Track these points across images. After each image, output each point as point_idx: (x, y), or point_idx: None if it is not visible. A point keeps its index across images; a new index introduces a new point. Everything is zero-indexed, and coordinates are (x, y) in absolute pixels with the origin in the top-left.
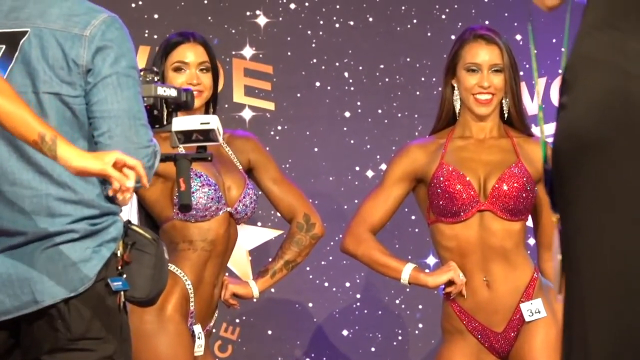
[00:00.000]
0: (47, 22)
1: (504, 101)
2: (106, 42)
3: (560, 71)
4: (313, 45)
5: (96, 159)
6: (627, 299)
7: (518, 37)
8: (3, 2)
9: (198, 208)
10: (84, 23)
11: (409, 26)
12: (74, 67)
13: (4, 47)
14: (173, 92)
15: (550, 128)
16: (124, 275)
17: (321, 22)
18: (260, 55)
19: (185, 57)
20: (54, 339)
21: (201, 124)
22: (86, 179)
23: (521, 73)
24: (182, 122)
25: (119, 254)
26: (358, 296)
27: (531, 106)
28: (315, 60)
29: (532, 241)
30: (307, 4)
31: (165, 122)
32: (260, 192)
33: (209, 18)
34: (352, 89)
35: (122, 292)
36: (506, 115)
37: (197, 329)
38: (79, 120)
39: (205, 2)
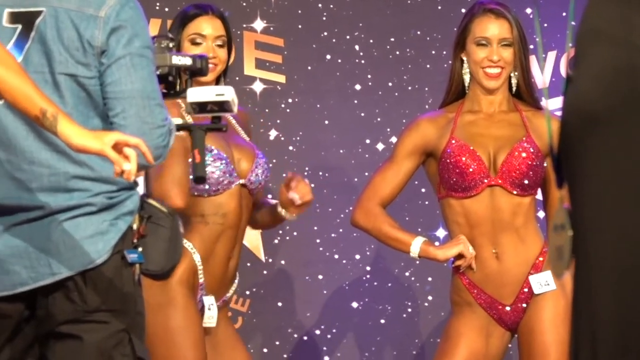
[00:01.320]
0: (62, 1)
1: (512, 75)
2: (120, 23)
3: (570, 45)
4: (324, 18)
5: (96, 139)
6: (632, 284)
7: (528, 10)
8: None
9: (210, 182)
10: (98, 3)
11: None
12: (88, 48)
13: (20, 26)
14: (188, 60)
15: (558, 101)
16: (140, 248)
17: None
18: (271, 28)
19: (202, 30)
20: (69, 311)
21: (216, 95)
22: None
23: (531, 47)
24: (197, 93)
25: (135, 227)
26: (368, 268)
27: (540, 79)
28: (325, 33)
29: (541, 214)
30: None
31: (180, 89)
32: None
33: None
34: (362, 62)
35: (137, 265)
36: (515, 88)
37: (208, 300)
38: (94, 100)
39: None
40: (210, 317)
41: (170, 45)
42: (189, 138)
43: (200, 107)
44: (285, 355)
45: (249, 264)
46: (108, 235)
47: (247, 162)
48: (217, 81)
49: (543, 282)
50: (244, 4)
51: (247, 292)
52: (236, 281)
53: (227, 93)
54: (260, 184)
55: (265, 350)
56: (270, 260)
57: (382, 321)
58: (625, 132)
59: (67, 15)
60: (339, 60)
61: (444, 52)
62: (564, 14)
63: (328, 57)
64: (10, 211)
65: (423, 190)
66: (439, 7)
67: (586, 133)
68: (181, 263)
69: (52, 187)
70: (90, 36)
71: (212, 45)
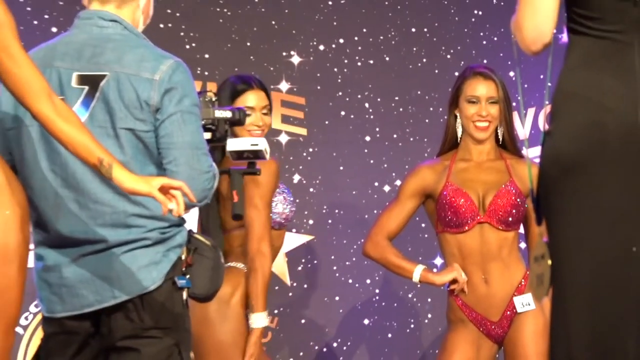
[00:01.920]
0: (122, 67)
1: (498, 128)
2: (172, 85)
3: (546, 103)
4: (339, 80)
5: (145, 183)
6: (600, 304)
7: (511, 73)
8: (85, 49)
9: (287, 218)
10: (153, 68)
11: (419, 64)
12: (145, 106)
13: (87, 87)
14: (228, 114)
15: (537, 150)
16: (188, 276)
17: (345, 61)
18: (294, 89)
19: (251, 103)
20: (129, 328)
21: (251, 145)
22: None
23: (513, 104)
24: (235, 143)
25: (183, 258)
26: (377, 291)
27: (522, 132)
28: (340, 93)
29: (523, 245)
30: (333, 45)
31: (221, 138)
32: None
33: (251, 57)
34: (371, 117)
35: (185, 289)
36: (501, 139)
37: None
38: (150, 150)
39: (248, 44)
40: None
41: (214, 99)
42: (228, 180)
43: (238, 155)
44: None
45: (276, 287)
46: (161, 265)
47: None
48: None
49: (525, 302)
50: (271, 69)
51: (275, 311)
52: None
53: (260, 143)
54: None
55: (301, 353)
56: (294, 284)
57: (389, 335)
58: (593, 179)
59: (127, 79)
60: (352, 116)
61: (440, 109)
62: (542, 76)
63: (342, 113)
64: (78, 244)
65: (423, 225)
66: (436, 71)
67: (561, 179)
68: (240, 284)
69: (113, 223)
70: (147, 97)
71: (260, 114)
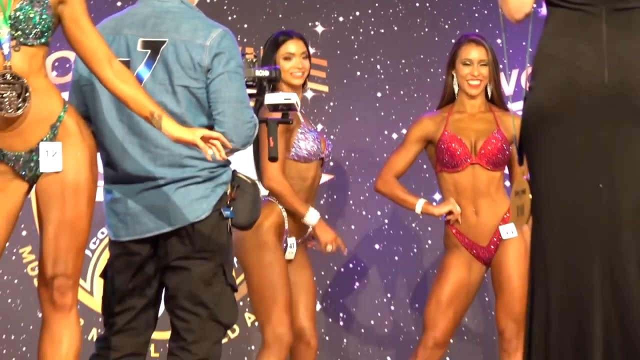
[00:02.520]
0: (179, 34)
1: (488, 86)
2: (221, 50)
3: (528, 65)
4: (355, 46)
5: (190, 132)
6: (571, 230)
7: (498, 40)
8: (148, 20)
9: (308, 151)
10: (205, 36)
11: (422, 33)
12: (198, 68)
13: (149, 51)
14: (266, 72)
15: (519, 105)
16: (231, 208)
17: (360, 30)
18: (318, 53)
19: (292, 49)
20: (182, 251)
21: (285, 99)
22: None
23: (500, 66)
24: (271, 97)
25: (228, 193)
26: (386, 221)
27: (507, 89)
28: (356, 57)
29: (507, 184)
30: (351, 17)
31: (260, 92)
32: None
33: (282, 27)
34: (382, 77)
35: (229, 219)
36: (490, 95)
37: (291, 240)
38: (202, 104)
39: (280, 16)
40: (290, 253)
41: (254, 60)
42: (266, 128)
43: (274, 107)
44: (328, 282)
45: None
46: (210, 198)
47: (324, 142)
48: (304, 83)
49: (509, 231)
50: None
51: (299, 240)
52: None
53: (292, 97)
54: (330, 157)
55: (322, 272)
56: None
57: (396, 258)
58: (567, 127)
59: (183, 45)
60: (366, 76)
61: (440, 70)
62: (524, 42)
63: (358, 73)
64: (140, 180)
65: (424, 166)
66: (436, 39)
67: (540, 127)
68: (272, 216)
69: (170, 163)
70: (200, 59)
71: (299, 58)
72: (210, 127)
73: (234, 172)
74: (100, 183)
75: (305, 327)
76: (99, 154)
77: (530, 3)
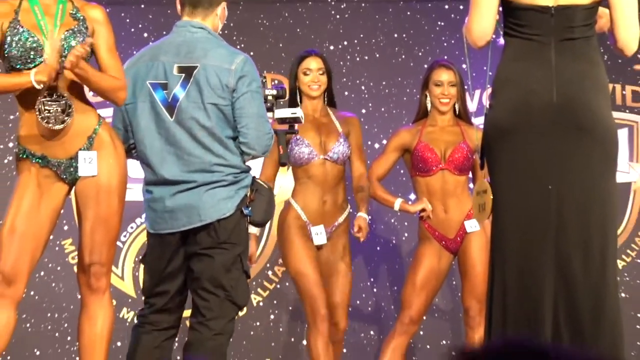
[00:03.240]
0: (208, 60)
1: (456, 104)
2: (244, 73)
3: (488, 86)
4: (343, 70)
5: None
6: (525, 225)
7: (464, 65)
8: (182, 48)
9: (298, 159)
10: (230, 61)
11: (400, 59)
12: (225, 88)
13: (184, 75)
14: (274, 91)
15: (481, 119)
16: (250, 208)
17: (348, 57)
18: None
19: (310, 65)
20: (208, 242)
21: (291, 113)
22: (232, 151)
23: (465, 87)
24: (280, 112)
25: (248, 195)
26: (370, 217)
27: (471, 106)
28: (344, 79)
29: (471, 186)
30: (340, 46)
31: (270, 108)
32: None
33: (282, 54)
34: (366, 96)
35: (248, 217)
36: (457, 112)
37: (316, 229)
38: (228, 118)
39: (280, 45)
40: (319, 239)
41: (264, 81)
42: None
43: (282, 120)
44: None
45: None
46: (234, 199)
47: (331, 143)
48: (323, 95)
49: (472, 225)
50: None
51: None
52: (346, 212)
53: (297, 112)
54: (339, 158)
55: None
56: None
57: (378, 248)
58: (521, 139)
59: (212, 69)
60: (352, 95)
61: (414, 90)
62: (485, 67)
63: (346, 93)
64: (176, 183)
65: (402, 171)
66: (411, 64)
67: (499, 139)
68: (290, 213)
69: (201, 169)
70: (227, 81)
71: (317, 74)
72: (235, 138)
73: (254, 177)
74: (140, 184)
75: (336, 307)
76: (139, 160)
77: (491, 33)
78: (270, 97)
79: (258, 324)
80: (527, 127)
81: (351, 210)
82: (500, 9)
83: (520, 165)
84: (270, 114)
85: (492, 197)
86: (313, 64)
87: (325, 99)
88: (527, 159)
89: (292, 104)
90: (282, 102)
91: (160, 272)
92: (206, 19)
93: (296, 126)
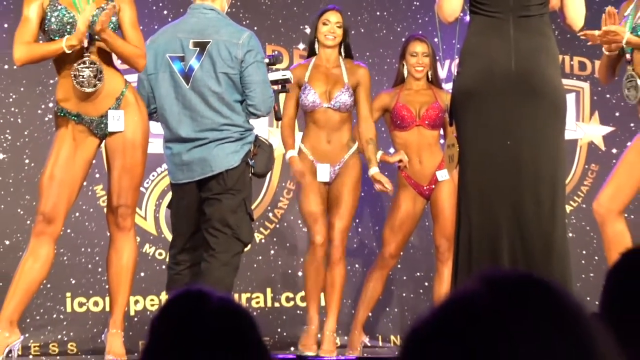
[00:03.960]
0: (220, 36)
1: (429, 71)
2: (250, 47)
3: (456, 56)
4: None
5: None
6: (486, 176)
7: (436, 39)
8: (195, 26)
9: (304, 105)
10: (238, 36)
11: (381, 34)
12: (235, 59)
13: (198, 48)
14: (267, 60)
15: (450, 85)
16: (253, 160)
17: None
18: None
19: (329, 18)
20: (218, 188)
21: (282, 75)
22: (239, 112)
23: (437, 57)
24: (272, 75)
25: (251, 149)
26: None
27: (442, 74)
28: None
29: (442, 141)
30: None
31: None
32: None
33: (281, 29)
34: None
35: (252, 168)
36: (430, 78)
37: (321, 166)
38: (236, 85)
39: (280, 21)
40: (322, 177)
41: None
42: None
43: (274, 82)
44: None
45: None
46: (239, 153)
47: (335, 92)
48: (339, 47)
49: (443, 175)
50: (294, 36)
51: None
52: (352, 150)
53: (287, 74)
54: (342, 105)
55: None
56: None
57: (362, 194)
58: (484, 101)
59: (223, 44)
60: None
61: (394, 60)
62: (454, 41)
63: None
64: (191, 140)
65: (382, 129)
66: (391, 38)
67: (465, 101)
68: (300, 155)
69: (211, 128)
70: (235, 53)
71: (334, 26)
72: (241, 102)
73: (257, 135)
74: (160, 139)
75: (334, 231)
76: (160, 122)
77: (459, 10)
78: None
79: (260, 258)
80: (489, 91)
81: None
82: None
83: (483, 123)
84: None
85: (458, 149)
86: (332, 17)
87: (343, 51)
88: (488, 118)
89: (311, 51)
90: (274, 68)
91: (181, 214)
92: (215, 1)
93: (287, 86)
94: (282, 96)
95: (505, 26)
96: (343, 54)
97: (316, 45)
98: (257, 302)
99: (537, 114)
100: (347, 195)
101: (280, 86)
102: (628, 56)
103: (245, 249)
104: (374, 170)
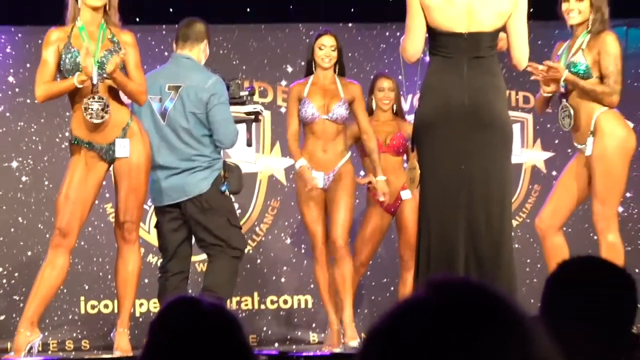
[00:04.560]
0: (190, 81)
1: (394, 105)
2: (215, 91)
3: (417, 91)
4: None
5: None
6: (442, 197)
7: (400, 77)
8: (172, 72)
9: (304, 118)
10: (205, 81)
11: (352, 72)
12: (201, 101)
13: (172, 92)
14: (245, 92)
15: (412, 116)
16: (226, 183)
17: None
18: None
19: (324, 42)
20: (196, 210)
21: (253, 109)
22: (206, 145)
23: (401, 92)
24: (247, 107)
25: (221, 174)
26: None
27: (405, 107)
28: None
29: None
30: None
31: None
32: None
33: (267, 68)
34: None
35: (226, 190)
36: (395, 110)
37: (315, 174)
38: (202, 123)
39: (265, 61)
40: (317, 181)
41: (239, 83)
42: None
43: (248, 113)
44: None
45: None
46: (209, 179)
47: (332, 105)
48: (334, 66)
49: (406, 194)
50: (277, 74)
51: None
52: (345, 157)
53: (258, 107)
54: (339, 118)
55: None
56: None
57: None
58: (441, 132)
59: (192, 88)
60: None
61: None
62: (415, 78)
63: None
64: (168, 169)
65: (354, 154)
66: (361, 76)
67: (425, 130)
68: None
69: (185, 158)
70: (202, 96)
71: (329, 50)
72: (209, 136)
73: (224, 161)
74: None
75: (335, 229)
76: None
77: (420, 52)
78: (242, 96)
79: (248, 266)
80: (446, 123)
81: (353, 155)
82: (427, 34)
83: (440, 150)
84: (241, 108)
85: (419, 172)
86: (327, 41)
87: (337, 69)
88: (445, 146)
89: (308, 72)
90: (251, 98)
91: (165, 232)
92: (192, 50)
93: (260, 117)
94: (256, 124)
95: (460, 66)
96: (337, 72)
97: (313, 65)
98: (246, 305)
99: (487, 142)
100: (344, 197)
101: (254, 117)
102: (563, 90)
103: (243, 254)
104: (380, 178)
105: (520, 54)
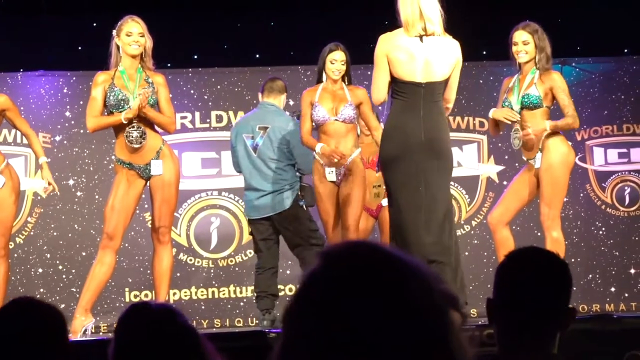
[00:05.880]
0: (275, 123)
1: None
2: (295, 131)
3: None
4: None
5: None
6: (408, 214)
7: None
8: (261, 116)
9: (315, 121)
10: (287, 123)
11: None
12: (285, 139)
13: (262, 131)
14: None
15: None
16: (303, 199)
17: (309, 73)
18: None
19: (335, 57)
20: (284, 222)
21: (297, 115)
22: (288, 171)
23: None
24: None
25: (299, 193)
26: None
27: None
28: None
29: None
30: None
31: None
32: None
33: (290, 91)
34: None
35: (304, 205)
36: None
37: (328, 170)
38: (286, 155)
39: (293, 94)
40: (330, 177)
41: (298, 114)
42: None
43: (298, 116)
44: None
45: None
46: (290, 198)
47: (339, 108)
48: (342, 79)
49: (385, 202)
50: (291, 91)
51: None
52: (355, 153)
53: (297, 112)
54: (346, 119)
55: None
56: None
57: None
58: (402, 164)
59: (277, 129)
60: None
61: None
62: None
63: None
64: (259, 190)
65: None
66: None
67: (388, 164)
68: (316, 165)
69: (273, 182)
70: (285, 135)
71: (339, 64)
72: (290, 165)
73: (301, 183)
74: (187, 180)
75: (346, 228)
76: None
77: (384, 97)
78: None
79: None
80: (407, 154)
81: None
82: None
83: (402, 176)
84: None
85: (384, 190)
86: (338, 56)
87: (346, 79)
88: (406, 173)
89: (319, 80)
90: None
91: (258, 239)
92: (275, 99)
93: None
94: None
95: (417, 108)
96: (346, 80)
97: (323, 75)
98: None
99: (439, 168)
100: (355, 190)
101: (297, 117)
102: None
103: (319, 244)
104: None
105: (451, 96)
